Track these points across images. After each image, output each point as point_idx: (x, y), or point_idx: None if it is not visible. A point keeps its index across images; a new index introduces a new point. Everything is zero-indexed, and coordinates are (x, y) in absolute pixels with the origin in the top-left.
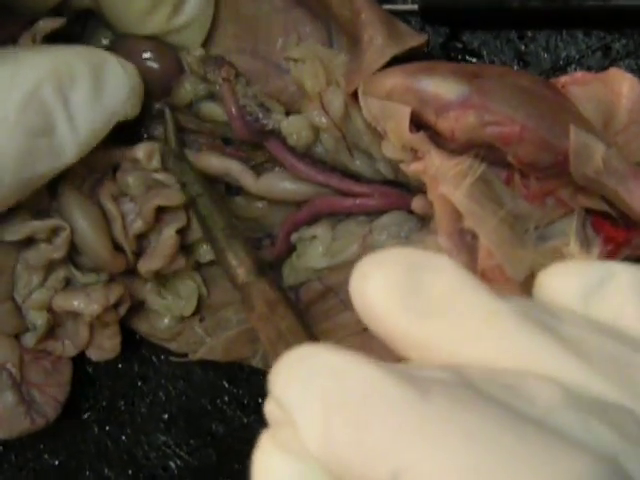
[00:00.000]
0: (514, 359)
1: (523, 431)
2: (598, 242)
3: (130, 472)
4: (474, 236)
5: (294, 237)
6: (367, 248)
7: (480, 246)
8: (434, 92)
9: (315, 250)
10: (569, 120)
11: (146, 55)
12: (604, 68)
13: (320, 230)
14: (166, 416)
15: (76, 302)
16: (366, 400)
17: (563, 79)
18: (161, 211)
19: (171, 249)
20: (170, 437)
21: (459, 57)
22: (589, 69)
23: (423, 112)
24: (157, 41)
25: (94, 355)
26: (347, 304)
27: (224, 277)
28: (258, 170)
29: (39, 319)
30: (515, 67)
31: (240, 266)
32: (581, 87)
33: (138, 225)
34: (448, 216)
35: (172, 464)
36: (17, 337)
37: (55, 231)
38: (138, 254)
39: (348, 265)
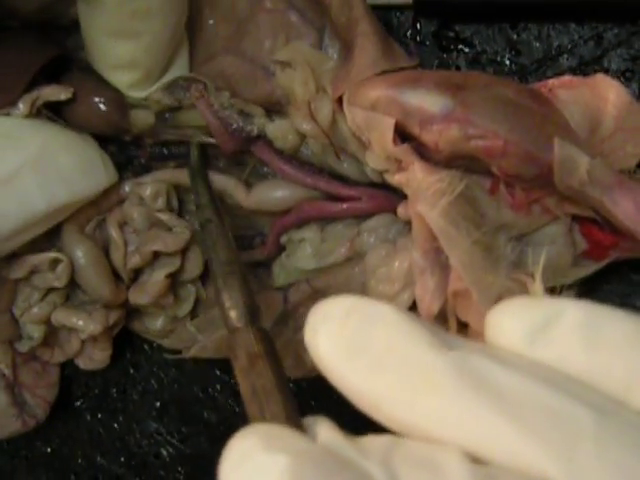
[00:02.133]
0: (451, 433)
1: None
2: (582, 240)
3: (122, 459)
4: (448, 257)
5: (283, 239)
6: (355, 250)
7: (452, 268)
8: (418, 105)
9: (304, 251)
10: (553, 132)
11: (98, 99)
12: (596, 57)
13: (309, 232)
14: (158, 404)
15: (76, 319)
16: None
17: (551, 82)
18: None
19: (159, 291)
20: (162, 425)
21: (451, 46)
22: (581, 58)
23: (407, 124)
24: (103, 82)
25: (83, 364)
26: None
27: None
28: (249, 179)
29: (36, 332)
30: (507, 56)
31: (232, 309)
32: (569, 91)
33: (135, 260)
34: (424, 234)
35: (164, 451)
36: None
37: (55, 262)
38: (135, 279)
39: (336, 268)
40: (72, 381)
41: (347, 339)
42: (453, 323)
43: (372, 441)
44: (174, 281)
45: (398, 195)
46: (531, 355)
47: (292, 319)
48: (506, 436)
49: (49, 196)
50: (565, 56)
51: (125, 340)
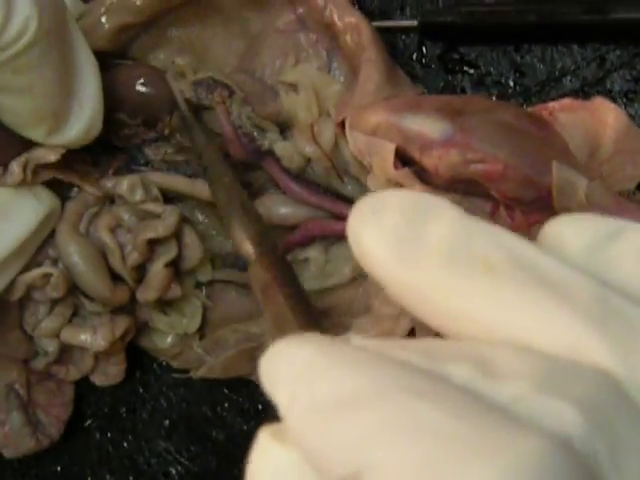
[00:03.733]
0: (505, 318)
1: (479, 419)
2: None
3: (131, 478)
4: None
5: (289, 257)
6: (359, 271)
7: None
8: (418, 130)
9: (308, 272)
10: (552, 156)
11: (140, 81)
12: (599, 79)
13: (313, 252)
14: (167, 422)
15: (83, 337)
16: (332, 398)
17: (551, 105)
18: (153, 242)
19: (162, 281)
20: (171, 443)
21: (456, 68)
22: (584, 80)
23: (408, 149)
24: (146, 67)
25: (98, 380)
26: (337, 326)
27: (226, 292)
28: (256, 193)
29: (50, 347)
30: (511, 78)
31: (240, 245)
32: (569, 114)
33: (134, 257)
34: None
35: (173, 470)
36: (25, 360)
37: (46, 277)
38: (139, 280)
39: (340, 289)
40: (82, 400)
41: (399, 229)
42: None
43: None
44: (180, 282)
45: None
46: (589, 266)
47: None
48: (565, 326)
49: None
50: (568, 77)
51: (135, 360)
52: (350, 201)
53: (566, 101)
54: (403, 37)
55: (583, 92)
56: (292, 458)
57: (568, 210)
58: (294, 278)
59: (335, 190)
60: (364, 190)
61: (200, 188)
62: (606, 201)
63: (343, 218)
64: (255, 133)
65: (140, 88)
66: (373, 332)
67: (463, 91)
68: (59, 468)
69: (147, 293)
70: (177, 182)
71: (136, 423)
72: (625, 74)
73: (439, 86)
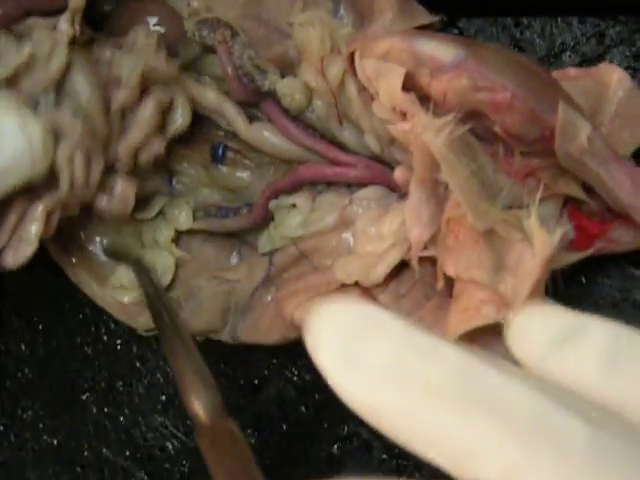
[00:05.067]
0: (444, 440)
1: None
2: (570, 228)
3: (128, 452)
4: (446, 188)
5: (272, 204)
6: (344, 220)
7: (450, 197)
8: (430, 54)
9: (293, 220)
10: (559, 97)
11: (152, 20)
12: (598, 55)
13: (300, 199)
14: (164, 397)
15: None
16: None
17: (554, 74)
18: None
19: (150, 129)
20: (167, 418)
21: None
22: (583, 56)
23: (417, 73)
24: (162, 5)
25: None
26: (318, 267)
27: (203, 248)
28: (254, 115)
29: None
30: None
31: (195, 407)
32: (571, 82)
33: (122, 95)
34: (426, 165)
35: (169, 445)
36: None
37: None
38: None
39: (324, 233)
40: (78, 374)
41: (347, 350)
42: (441, 276)
43: None
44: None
45: (394, 171)
46: (546, 365)
47: (274, 284)
48: (503, 451)
49: None
50: (567, 53)
51: (131, 334)
52: (345, 148)
53: (570, 70)
54: None
55: (583, 67)
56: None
57: (569, 155)
58: (237, 450)
59: (332, 135)
60: (360, 138)
61: (202, 91)
62: (606, 152)
63: (335, 163)
64: (255, 73)
65: (153, 27)
66: (354, 269)
67: None
68: (55, 442)
69: (132, 136)
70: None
71: (133, 398)
72: (624, 50)
73: None
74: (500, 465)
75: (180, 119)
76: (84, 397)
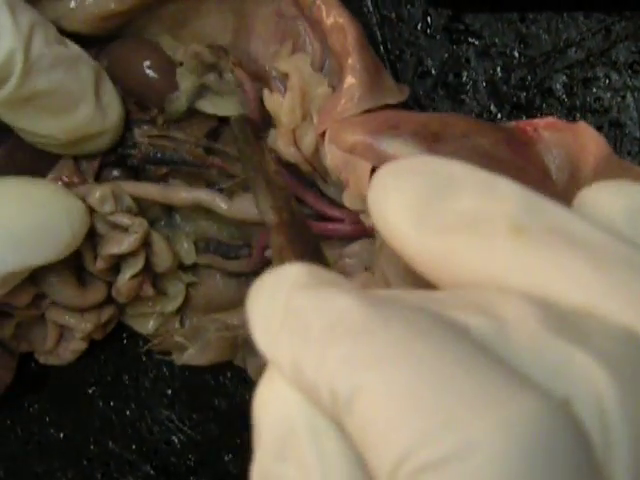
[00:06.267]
0: (528, 278)
1: (475, 365)
2: None
3: (134, 446)
4: None
5: (269, 252)
6: (338, 272)
7: None
8: (394, 155)
9: None
10: (527, 185)
11: (146, 64)
12: (604, 50)
13: None
14: (169, 391)
15: (68, 317)
16: (333, 324)
17: (536, 122)
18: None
19: (129, 292)
20: (173, 412)
21: (461, 38)
22: (589, 51)
23: None
24: (156, 50)
25: (45, 359)
26: None
27: (211, 276)
28: (234, 189)
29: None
30: (516, 49)
31: (266, 210)
32: (553, 133)
33: (100, 264)
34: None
35: (175, 438)
36: None
37: None
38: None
39: None
40: (85, 368)
41: (423, 199)
42: None
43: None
44: (155, 276)
45: None
46: (626, 234)
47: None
48: (588, 285)
49: None
50: (573, 49)
51: None
52: (333, 202)
53: (550, 119)
54: (408, 6)
55: (588, 63)
56: (294, 394)
57: None
58: (309, 242)
59: (318, 187)
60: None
61: (173, 195)
62: None
63: (324, 218)
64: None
65: (145, 70)
66: None
67: (468, 62)
68: (62, 435)
69: (118, 297)
70: (150, 191)
71: (139, 391)
72: (630, 45)
73: (444, 57)
74: (589, 299)
75: (161, 263)
76: (90, 391)
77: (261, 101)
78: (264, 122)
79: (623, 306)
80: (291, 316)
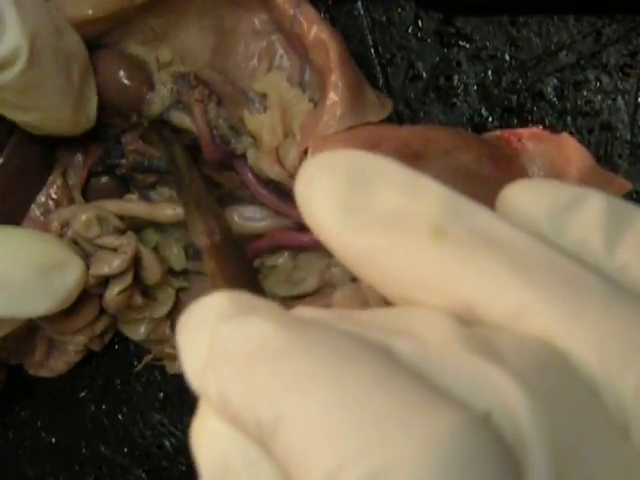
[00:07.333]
0: (451, 284)
1: (396, 384)
2: None
3: (125, 450)
4: None
5: (257, 263)
6: (326, 281)
7: None
8: None
9: (277, 277)
10: None
11: (121, 73)
12: (595, 53)
13: (281, 260)
14: (161, 395)
15: (58, 335)
16: (254, 352)
17: (520, 132)
18: None
19: (118, 306)
20: (165, 416)
21: (452, 42)
22: (580, 54)
23: None
24: (128, 57)
25: (35, 371)
26: None
27: (202, 281)
28: (227, 194)
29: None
30: (507, 52)
31: (198, 234)
32: (537, 144)
33: (90, 281)
34: None
35: (167, 442)
36: None
37: None
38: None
39: (308, 297)
40: (76, 372)
41: (347, 196)
42: None
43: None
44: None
45: None
46: (548, 234)
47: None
48: (512, 290)
49: None
50: (564, 52)
51: None
52: None
53: (535, 130)
54: (399, 10)
55: (579, 66)
56: (225, 428)
57: None
58: (240, 265)
59: None
60: None
61: (158, 213)
62: None
63: (309, 230)
64: (230, 136)
65: (120, 79)
66: None
67: (459, 65)
68: (54, 440)
69: (108, 309)
70: (135, 210)
71: (130, 395)
72: (621, 48)
73: (435, 60)
74: (508, 304)
75: (150, 277)
76: (82, 395)
77: (215, 142)
78: (223, 162)
79: (542, 313)
80: (216, 348)
